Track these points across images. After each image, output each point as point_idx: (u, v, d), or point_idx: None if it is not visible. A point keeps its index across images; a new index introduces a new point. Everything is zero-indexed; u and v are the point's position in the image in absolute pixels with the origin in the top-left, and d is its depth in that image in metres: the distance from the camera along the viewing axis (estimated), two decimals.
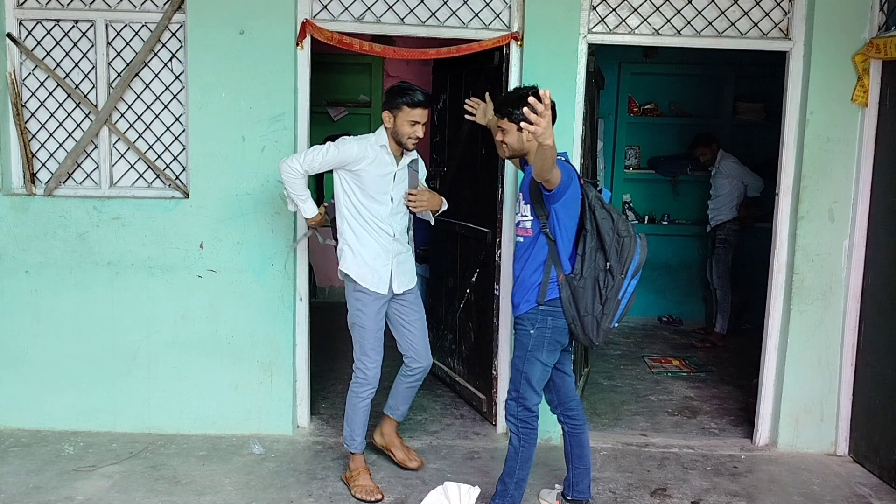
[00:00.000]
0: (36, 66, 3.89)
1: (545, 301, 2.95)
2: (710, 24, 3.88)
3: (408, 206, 3.38)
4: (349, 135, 7.32)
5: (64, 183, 3.96)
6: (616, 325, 2.97)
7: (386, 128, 3.31)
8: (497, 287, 4.02)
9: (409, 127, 3.25)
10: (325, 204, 3.64)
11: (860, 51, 3.76)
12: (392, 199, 3.33)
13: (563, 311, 2.94)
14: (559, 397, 3.22)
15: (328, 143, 3.29)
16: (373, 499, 3.30)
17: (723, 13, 3.87)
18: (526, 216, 3.01)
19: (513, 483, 3.08)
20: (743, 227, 5.99)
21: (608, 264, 2.88)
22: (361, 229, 3.32)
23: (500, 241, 3.97)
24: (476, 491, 3.03)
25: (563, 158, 2.98)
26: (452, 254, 4.72)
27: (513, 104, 2.96)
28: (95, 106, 3.90)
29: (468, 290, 4.47)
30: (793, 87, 3.88)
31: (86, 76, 3.91)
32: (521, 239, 3.07)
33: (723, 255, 5.94)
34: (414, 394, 3.65)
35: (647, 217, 6.97)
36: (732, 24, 3.88)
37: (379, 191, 3.30)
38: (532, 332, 2.99)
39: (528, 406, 3.04)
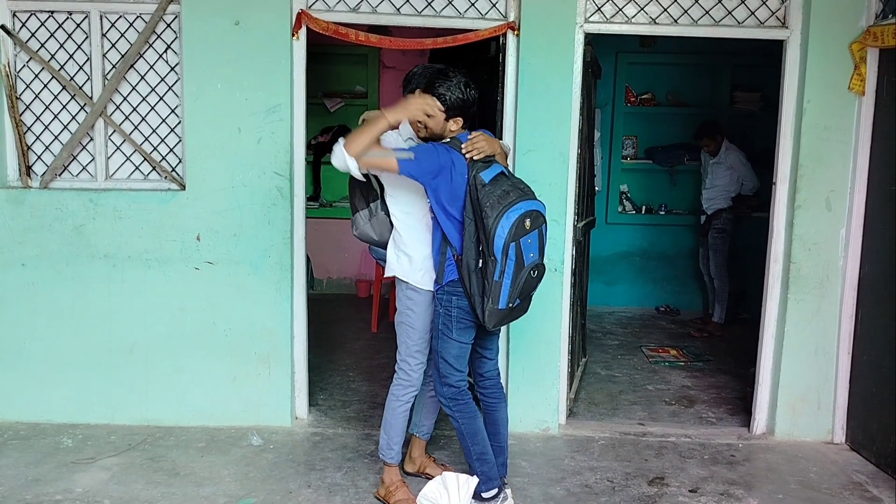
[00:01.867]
0: (30, 58, 3.87)
1: (447, 281, 2.98)
2: (707, 12, 3.87)
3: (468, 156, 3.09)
4: (345, 126, 7.30)
5: (60, 175, 3.94)
6: (507, 307, 2.88)
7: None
8: None
9: None
10: None
11: (857, 39, 3.76)
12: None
13: (462, 292, 2.96)
14: (474, 376, 3.27)
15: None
16: None
17: (720, 2, 3.85)
18: (428, 198, 3.03)
19: (474, 460, 3.11)
20: (739, 217, 6.00)
21: (481, 246, 2.87)
22: (414, 231, 3.12)
23: None
24: (474, 481, 3.05)
25: (448, 140, 2.95)
26: None
27: (456, 96, 2.90)
28: (91, 98, 3.88)
29: None
30: (790, 76, 3.87)
31: (81, 68, 3.89)
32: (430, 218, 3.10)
33: (720, 244, 5.95)
34: (438, 406, 3.42)
35: (644, 207, 6.98)
36: (729, 12, 3.87)
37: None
38: (441, 311, 3.03)
39: (452, 383, 3.07)
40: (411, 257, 3.13)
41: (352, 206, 3.24)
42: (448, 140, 2.97)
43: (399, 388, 3.20)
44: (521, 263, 2.84)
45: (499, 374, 3.30)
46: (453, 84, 2.92)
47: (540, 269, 2.93)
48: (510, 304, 2.90)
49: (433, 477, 3.32)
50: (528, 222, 2.83)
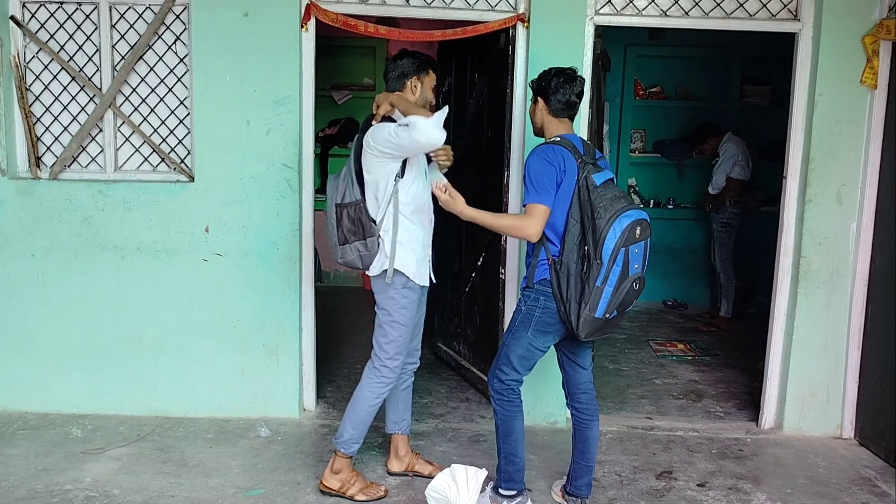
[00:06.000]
0: (40, 49, 3.87)
1: (537, 280, 2.93)
2: (718, 5, 3.84)
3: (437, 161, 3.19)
4: (353, 119, 7.26)
5: (69, 167, 3.95)
6: (604, 316, 2.81)
7: (429, 96, 3.15)
8: (503, 271, 4.01)
9: (431, 93, 3.15)
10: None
11: (870, 32, 3.73)
12: (426, 174, 3.15)
13: (552, 294, 2.91)
14: (568, 388, 3.18)
15: (396, 126, 2.92)
16: (380, 494, 3.22)
17: None
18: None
19: (502, 458, 3.11)
20: (745, 211, 5.97)
21: (586, 249, 2.81)
22: (410, 220, 3.07)
23: None
24: (483, 473, 3.03)
25: (556, 139, 2.93)
26: (458, 237, 4.71)
27: (536, 80, 3.00)
28: (100, 89, 3.88)
29: (474, 274, 4.47)
30: (801, 69, 3.85)
31: (90, 59, 3.89)
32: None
33: (724, 238, 5.91)
34: (411, 396, 3.45)
35: (652, 201, 6.93)
36: (741, 5, 3.84)
37: (421, 169, 3.11)
38: (523, 308, 2.99)
39: (504, 380, 3.03)
40: (415, 253, 3.10)
41: (339, 237, 3.08)
42: (557, 139, 2.92)
43: (379, 385, 3.15)
44: (626, 272, 2.77)
45: (593, 387, 3.18)
46: (543, 74, 3.00)
47: (641, 282, 2.84)
48: (607, 315, 2.81)
49: (421, 474, 3.36)
50: (638, 230, 2.78)
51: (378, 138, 2.95)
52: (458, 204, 2.89)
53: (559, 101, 2.95)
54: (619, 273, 2.76)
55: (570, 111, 2.99)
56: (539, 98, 3.00)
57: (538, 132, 3.08)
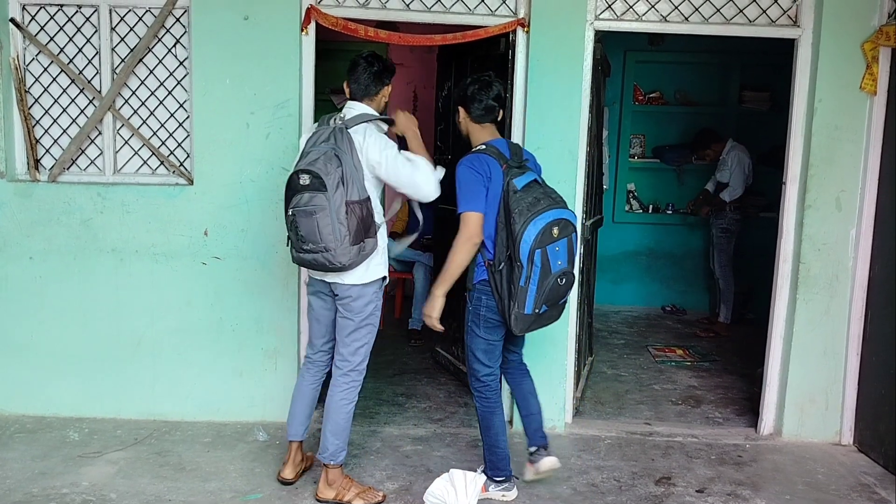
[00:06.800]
0: (39, 52, 3.87)
1: (477, 281, 3.05)
2: (719, 10, 3.85)
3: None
4: None
5: (68, 169, 3.94)
6: (534, 311, 2.92)
7: (385, 102, 3.25)
8: None
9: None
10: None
11: (869, 38, 3.73)
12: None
13: (491, 293, 3.02)
14: (502, 365, 3.29)
15: (398, 152, 3.04)
16: (378, 499, 3.20)
17: (731, 0, 3.83)
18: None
19: (485, 448, 3.25)
20: (745, 217, 5.97)
21: (509, 251, 2.92)
22: (383, 227, 3.15)
23: None
24: (481, 478, 3.05)
25: (482, 147, 3.04)
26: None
27: (457, 91, 3.18)
28: (99, 92, 3.88)
29: None
30: (801, 75, 3.85)
31: (89, 62, 3.89)
32: None
33: (724, 244, 5.92)
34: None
35: (651, 206, 6.95)
36: (741, 10, 3.85)
37: None
38: (470, 308, 3.11)
39: (479, 377, 3.17)
40: (384, 251, 3.15)
41: (350, 238, 2.90)
42: (482, 147, 3.04)
43: (351, 390, 3.16)
44: (548, 270, 2.88)
45: (521, 357, 3.37)
46: (461, 85, 3.15)
47: (568, 277, 2.97)
48: (536, 310, 2.94)
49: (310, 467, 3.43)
50: (556, 230, 2.88)
51: (376, 158, 3.00)
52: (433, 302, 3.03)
53: (478, 108, 3.08)
54: (540, 272, 2.88)
55: (490, 115, 3.11)
56: (460, 107, 3.12)
57: (467, 140, 3.18)
